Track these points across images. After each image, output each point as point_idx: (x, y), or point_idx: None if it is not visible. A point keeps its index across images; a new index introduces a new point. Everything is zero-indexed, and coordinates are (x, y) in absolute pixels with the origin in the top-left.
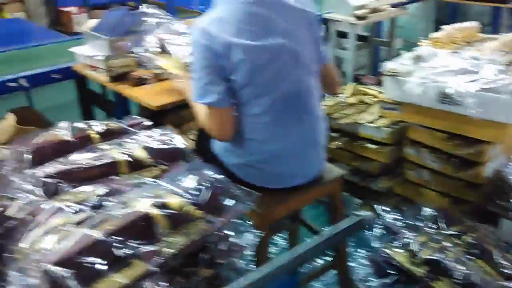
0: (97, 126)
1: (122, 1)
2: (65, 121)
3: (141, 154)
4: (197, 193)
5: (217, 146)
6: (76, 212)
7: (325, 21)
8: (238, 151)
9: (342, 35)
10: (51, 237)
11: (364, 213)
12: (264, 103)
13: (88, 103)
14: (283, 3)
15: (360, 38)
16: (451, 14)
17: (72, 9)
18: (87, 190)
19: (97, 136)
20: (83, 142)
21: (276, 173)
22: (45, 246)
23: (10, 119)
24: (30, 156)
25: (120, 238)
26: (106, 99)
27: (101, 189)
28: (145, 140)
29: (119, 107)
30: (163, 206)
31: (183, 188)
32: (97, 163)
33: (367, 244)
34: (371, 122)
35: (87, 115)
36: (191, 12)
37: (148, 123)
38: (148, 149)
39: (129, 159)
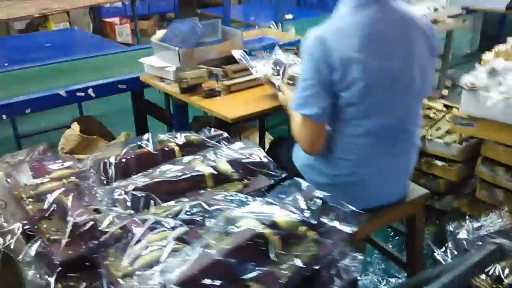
0: (178, 138)
1: (162, 12)
2: (122, 130)
3: (226, 167)
4: (307, 212)
5: (300, 161)
6: (171, 228)
7: None
8: (325, 169)
9: None
10: (157, 253)
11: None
12: (367, 125)
13: (142, 112)
14: (411, 25)
15: None
16: (498, 26)
17: (114, 19)
18: (178, 203)
19: (178, 148)
20: (166, 154)
21: (361, 195)
22: (154, 262)
23: (75, 128)
24: (114, 168)
25: (236, 259)
26: (163, 109)
27: (191, 203)
28: (228, 153)
29: (177, 118)
30: (274, 225)
31: (291, 206)
32: (184, 176)
33: None
34: (439, 138)
35: (142, 125)
36: (246, 24)
37: (226, 135)
38: (232, 162)
39: (214, 172)
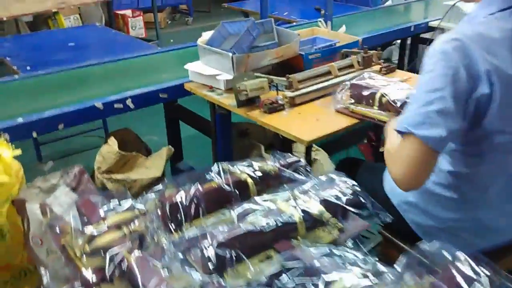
0: (249, 168)
1: (174, 4)
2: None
3: (319, 209)
4: None
5: (402, 197)
6: None
7: (430, 29)
8: (438, 212)
9: None
10: None
11: None
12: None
13: (174, 117)
14: None
15: None
16: None
17: (126, 12)
18: (269, 260)
19: (252, 181)
20: (240, 190)
21: (473, 243)
22: None
23: (113, 144)
24: (182, 211)
25: None
26: (203, 119)
27: (289, 263)
28: (316, 188)
29: (221, 130)
30: None
31: None
32: (274, 225)
33: None
34: None
35: (173, 133)
36: (284, 21)
37: (304, 162)
38: (326, 203)
39: (306, 216)
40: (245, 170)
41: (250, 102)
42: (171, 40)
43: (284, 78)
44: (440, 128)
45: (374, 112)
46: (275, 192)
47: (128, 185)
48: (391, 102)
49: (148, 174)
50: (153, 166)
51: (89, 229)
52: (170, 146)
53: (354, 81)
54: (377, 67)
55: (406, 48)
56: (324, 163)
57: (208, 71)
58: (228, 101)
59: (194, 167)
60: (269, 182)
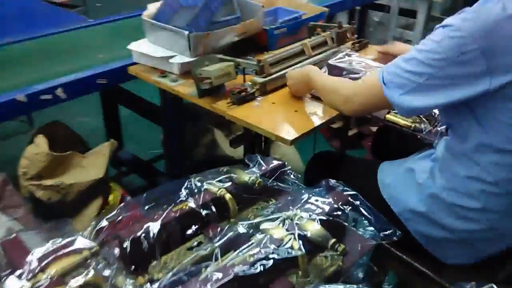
0: (226, 181)
1: None
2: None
3: (319, 233)
4: None
5: (407, 206)
6: None
7: None
8: (450, 223)
9: (407, 13)
10: None
11: None
12: None
13: (112, 101)
14: None
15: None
16: None
17: None
18: None
19: (230, 196)
20: (218, 210)
21: (484, 250)
22: None
23: (41, 144)
24: (148, 244)
25: None
26: (152, 105)
27: None
28: (312, 203)
29: (171, 117)
30: None
31: None
32: (267, 260)
33: None
34: None
35: (112, 120)
36: None
37: (289, 168)
38: (325, 221)
39: (307, 244)
40: (222, 184)
41: (214, 91)
42: (99, 5)
43: (253, 62)
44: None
45: None
46: (260, 209)
47: (63, 191)
48: None
49: (87, 175)
50: (92, 165)
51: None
52: (112, 140)
53: (330, 62)
54: (349, 44)
55: (355, 15)
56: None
57: (158, 52)
58: (185, 89)
59: (137, 155)
60: (251, 197)
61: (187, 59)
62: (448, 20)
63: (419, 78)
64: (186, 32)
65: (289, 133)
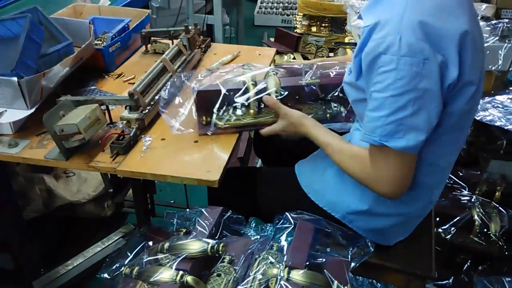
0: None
1: None
2: None
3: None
4: None
5: (350, 208)
6: None
7: None
8: (392, 209)
9: None
10: None
11: None
12: (457, 140)
13: None
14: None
15: None
16: None
17: None
18: None
19: None
20: None
21: (417, 221)
22: None
23: None
24: None
25: None
26: None
27: None
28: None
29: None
30: None
31: None
32: None
33: None
34: None
35: None
36: None
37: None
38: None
39: None
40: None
41: (84, 145)
42: None
43: (123, 96)
44: (417, 131)
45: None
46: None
47: None
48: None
49: None
50: None
51: None
52: None
53: (197, 87)
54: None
55: None
56: None
57: None
58: (36, 152)
59: None
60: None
61: (23, 113)
62: (379, 50)
63: (404, 111)
64: (15, 78)
65: (210, 172)
